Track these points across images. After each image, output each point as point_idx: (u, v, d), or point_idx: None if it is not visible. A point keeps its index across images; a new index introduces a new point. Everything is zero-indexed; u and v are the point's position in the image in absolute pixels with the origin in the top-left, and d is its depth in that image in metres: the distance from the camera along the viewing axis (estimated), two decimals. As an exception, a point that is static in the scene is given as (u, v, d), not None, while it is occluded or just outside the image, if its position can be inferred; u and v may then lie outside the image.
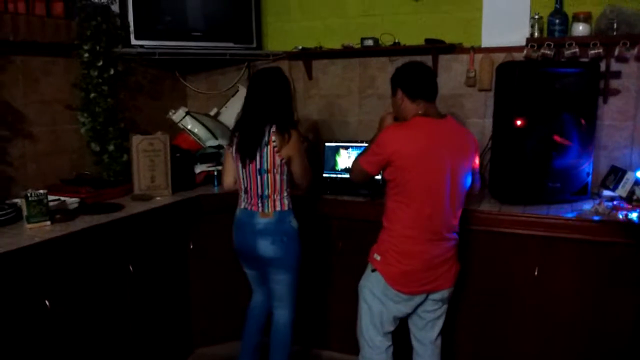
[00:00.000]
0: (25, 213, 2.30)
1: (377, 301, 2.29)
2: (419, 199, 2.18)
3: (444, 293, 2.30)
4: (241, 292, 3.00)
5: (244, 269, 2.71)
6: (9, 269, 2.01)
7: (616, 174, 1.98)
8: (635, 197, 2.00)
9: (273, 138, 2.42)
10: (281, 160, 2.44)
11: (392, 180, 2.24)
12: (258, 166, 2.45)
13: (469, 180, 2.30)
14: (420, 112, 2.24)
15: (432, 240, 2.22)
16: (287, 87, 2.52)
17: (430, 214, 2.19)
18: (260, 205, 2.49)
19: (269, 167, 2.44)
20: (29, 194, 2.29)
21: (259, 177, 2.46)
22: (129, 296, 2.64)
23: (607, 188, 2.01)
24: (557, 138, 2.67)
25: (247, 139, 2.46)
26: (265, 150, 2.43)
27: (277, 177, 2.47)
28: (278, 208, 2.49)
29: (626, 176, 2.03)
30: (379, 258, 2.28)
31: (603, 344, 2.55)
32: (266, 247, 2.49)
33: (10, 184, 2.69)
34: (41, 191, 2.34)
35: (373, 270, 2.29)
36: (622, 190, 2.02)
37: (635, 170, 2.59)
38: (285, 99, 2.51)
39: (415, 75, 2.29)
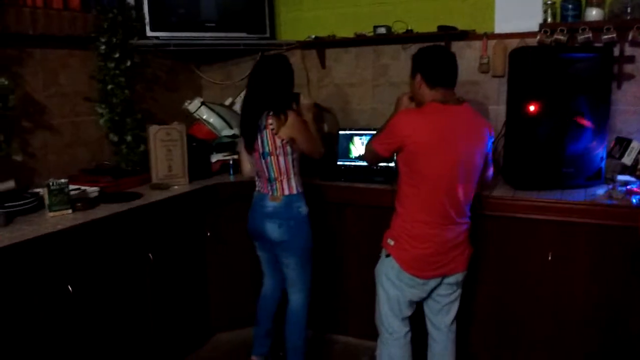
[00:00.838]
0: (47, 202, 2.37)
1: (392, 286, 2.32)
2: (431, 184, 2.21)
3: (458, 277, 2.33)
4: (258, 278, 3.04)
5: (257, 251, 2.77)
6: (34, 255, 2.09)
7: (621, 144, 1.98)
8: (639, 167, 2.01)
9: (270, 121, 2.47)
10: (282, 142, 2.48)
11: (404, 164, 2.27)
12: (261, 150, 2.51)
13: (481, 167, 2.32)
14: (437, 98, 2.26)
15: (444, 224, 2.24)
16: (283, 73, 2.54)
17: (442, 199, 2.21)
18: (270, 188, 2.56)
19: (270, 149, 2.49)
20: (51, 183, 2.35)
21: (263, 161, 2.53)
22: (149, 283, 2.71)
23: (614, 158, 2.01)
24: (579, 119, 2.66)
25: (246, 125, 2.54)
26: (264, 133, 2.48)
27: (281, 159, 2.51)
28: (287, 192, 2.54)
29: (631, 145, 2.02)
30: (392, 243, 2.31)
31: (617, 327, 2.57)
32: (273, 230, 2.55)
33: (33, 174, 2.76)
34: (62, 180, 2.40)
35: (387, 255, 2.33)
36: (627, 159, 2.02)
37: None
38: (281, 84, 2.53)
39: (436, 62, 2.28)
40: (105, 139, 3.15)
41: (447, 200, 2.22)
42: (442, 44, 3.16)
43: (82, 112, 3.05)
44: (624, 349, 2.56)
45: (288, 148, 2.51)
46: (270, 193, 2.56)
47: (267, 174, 2.55)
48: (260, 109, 2.49)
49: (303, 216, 2.58)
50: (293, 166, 2.55)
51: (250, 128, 2.52)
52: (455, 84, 2.31)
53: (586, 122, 2.68)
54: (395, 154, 2.32)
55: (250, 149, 2.55)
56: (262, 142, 2.50)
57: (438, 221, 2.23)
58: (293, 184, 2.56)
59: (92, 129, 3.10)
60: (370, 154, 2.44)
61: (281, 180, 2.54)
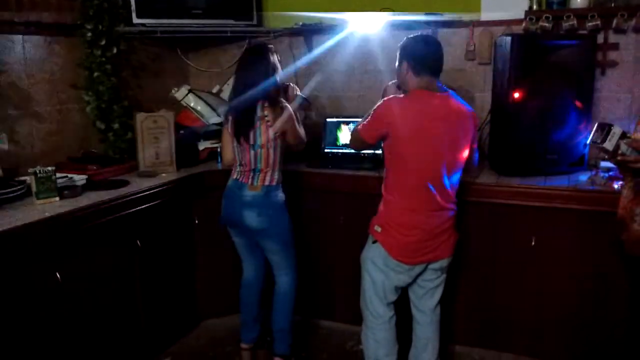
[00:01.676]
0: (34, 189, 2.36)
1: (379, 272, 2.35)
2: (417, 171, 2.24)
3: (443, 262, 2.37)
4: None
5: (233, 237, 2.77)
6: (22, 243, 2.09)
7: (603, 129, 2.04)
8: (620, 152, 2.06)
9: (266, 113, 2.48)
10: (275, 134, 2.49)
11: (390, 152, 2.30)
12: (252, 142, 2.51)
13: (466, 154, 2.35)
14: (422, 86, 2.28)
15: (430, 210, 2.27)
16: (270, 61, 2.53)
17: (428, 186, 2.24)
18: (251, 178, 2.56)
19: (262, 142, 2.50)
20: (37, 171, 2.35)
21: (252, 152, 2.52)
22: (138, 270, 2.72)
23: (595, 143, 2.07)
24: (558, 103, 2.70)
25: (241, 116, 2.53)
26: (258, 125, 2.48)
27: (271, 151, 2.52)
28: (267, 182, 2.56)
29: (612, 130, 2.08)
30: (379, 230, 2.34)
31: (599, 310, 2.62)
32: (252, 218, 2.56)
33: (19, 162, 2.75)
34: (49, 168, 2.40)
35: (374, 242, 2.36)
36: (609, 144, 2.08)
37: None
38: (271, 74, 2.52)
39: (421, 50, 2.30)
40: (92, 126, 3.14)
41: (433, 187, 2.25)
42: (429, 31, 3.18)
43: (68, 99, 3.03)
44: (607, 332, 2.62)
45: (279, 141, 2.53)
46: (250, 182, 2.56)
47: (253, 165, 2.55)
48: (254, 99, 2.48)
49: (281, 204, 2.61)
50: (279, 159, 2.57)
51: (245, 120, 2.51)
52: (441, 72, 2.34)
53: (567, 107, 2.72)
54: (381, 141, 2.34)
55: (241, 140, 2.54)
56: (255, 134, 2.50)
57: (424, 208, 2.26)
58: (275, 176, 2.58)
59: (78, 117, 3.09)
60: (356, 141, 2.46)
61: (265, 172, 2.55)
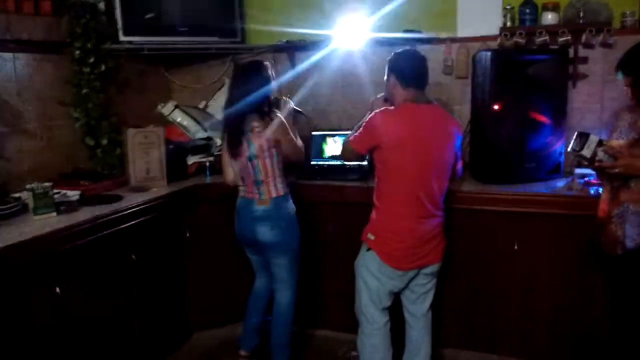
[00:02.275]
0: (32, 205, 2.38)
1: (373, 278, 2.44)
2: (406, 179, 2.35)
3: (434, 267, 2.47)
4: (236, 277, 3.13)
5: (247, 254, 2.84)
6: (24, 258, 2.10)
7: (581, 137, 2.21)
8: (597, 158, 2.23)
9: (255, 124, 2.56)
10: (268, 144, 2.57)
11: (380, 161, 2.40)
12: (247, 153, 2.58)
13: (452, 162, 2.47)
14: (409, 98, 2.40)
15: (421, 217, 2.38)
16: (262, 78, 2.61)
17: (417, 193, 2.35)
18: (257, 192, 2.62)
19: (256, 152, 2.57)
20: (35, 187, 2.37)
21: (249, 164, 2.60)
22: (132, 283, 2.74)
23: (575, 151, 2.22)
24: (533, 115, 2.85)
25: (232, 129, 2.60)
26: (250, 136, 2.56)
27: (267, 161, 2.59)
28: (274, 194, 2.62)
29: (590, 138, 2.25)
30: (372, 237, 2.43)
31: (581, 308, 2.76)
32: (265, 232, 2.61)
33: (9, 178, 2.75)
34: (46, 184, 2.42)
35: (368, 249, 2.45)
36: (587, 151, 2.24)
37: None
38: (261, 88, 2.60)
39: (408, 64, 2.43)
40: (80, 143, 3.16)
41: (422, 194, 2.36)
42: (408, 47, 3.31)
43: (56, 116, 3.05)
44: (589, 329, 2.76)
45: (274, 150, 2.60)
46: (257, 197, 2.62)
47: (253, 177, 2.61)
48: (244, 113, 2.56)
49: (292, 216, 2.68)
50: (279, 168, 2.64)
51: (235, 133, 2.58)
52: (426, 84, 2.47)
53: (541, 117, 2.88)
54: (371, 152, 2.45)
55: (236, 154, 2.61)
56: (248, 145, 2.57)
57: (416, 214, 2.37)
58: (279, 185, 2.64)
59: (66, 133, 3.11)
60: (347, 152, 2.56)
61: (268, 183, 2.61)
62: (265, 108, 2.61)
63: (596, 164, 2.24)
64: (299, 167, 3.20)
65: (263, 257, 2.77)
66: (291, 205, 2.68)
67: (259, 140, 2.56)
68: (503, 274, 2.86)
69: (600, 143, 2.23)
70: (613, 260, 2.28)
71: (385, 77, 2.51)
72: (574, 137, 2.30)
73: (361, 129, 2.45)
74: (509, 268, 2.84)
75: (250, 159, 2.58)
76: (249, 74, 2.61)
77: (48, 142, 2.99)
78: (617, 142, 2.22)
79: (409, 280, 2.47)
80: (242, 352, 2.91)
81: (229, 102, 2.63)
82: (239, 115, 2.57)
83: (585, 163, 2.32)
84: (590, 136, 2.32)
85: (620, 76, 2.27)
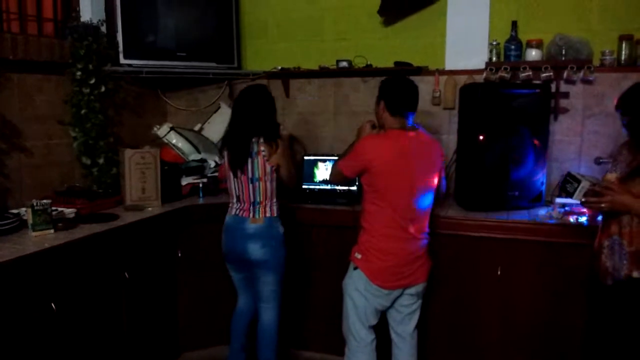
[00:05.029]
0: (30, 221, 2.43)
1: (360, 296, 2.53)
2: (394, 202, 2.46)
3: (419, 287, 2.57)
4: (226, 298, 3.17)
5: (231, 272, 2.90)
6: (22, 274, 2.16)
7: (573, 181, 2.33)
8: (583, 195, 2.33)
9: (262, 148, 2.66)
10: (271, 168, 2.67)
11: (368, 184, 2.51)
12: (250, 175, 2.68)
13: (435, 181, 2.60)
14: (397, 125, 2.52)
15: (407, 238, 2.49)
16: (270, 102, 2.76)
17: (403, 215, 2.46)
18: (251, 211, 2.70)
19: (260, 175, 2.67)
20: (34, 204, 2.43)
21: (251, 186, 2.68)
22: (125, 302, 2.79)
23: (568, 193, 2.35)
24: (517, 145, 2.98)
25: (238, 152, 2.69)
26: (255, 160, 2.66)
27: (268, 184, 2.70)
28: (268, 214, 2.71)
29: (581, 184, 2.39)
30: (359, 256, 2.53)
31: (560, 336, 2.85)
32: (256, 250, 2.69)
33: (7, 195, 2.81)
34: (45, 201, 2.48)
35: (355, 268, 2.54)
36: (579, 196, 2.39)
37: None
38: (270, 113, 2.74)
39: (399, 93, 2.55)
40: (76, 161, 3.22)
41: (407, 217, 2.47)
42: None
43: (54, 134, 3.12)
44: (566, 351, 2.84)
45: (275, 174, 2.70)
46: (251, 215, 2.71)
47: (252, 198, 2.70)
48: (251, 136, 2.66)
49: (282, 236, 2.76)
50: (275, 191, 2.74)
51: (242, 155, 2.67)
52: (415, 112, 2.60)
53: (525, 148, 3.01)
54: (359, 175, 2.55)
55: (238, 173, 2.70)
56: (253, 167, 2.67)
57: (402, 235, 2.47)
58: (274, 207, 2.74)
59: (63, 152, 3.18)
60: (336, 175, 2.67)
61: (265, 205, 2.71)
62: (272, 133, 2.72)
63: (583, 199, 2.33)
64: (290, 190, 3.28)
65: (247, 276, 2.83)
66: (281, 227, 2.77)
67: (263, 164, 2.65)
68: (486, 298, 2.94)
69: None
70: (605, 290, 2.34)
71: (376, 101, 2.63)
72: (564, 177, 2.39)
73: (350, 153, 2.57)
74: (492, 293, 2.93)
75: (252, 180, 2.67)
76: (257, 97, 2.71)
77: (45, 160, 3.06)
78: (612, 175, 2.30)
79: (394, 299, 2.56)
80: (230, 373, 2.95)
81: (234, 125, 2.73)
82: (245, 137, 2.68)
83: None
84: (582, 182, 2.43)
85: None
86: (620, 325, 2.24)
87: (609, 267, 2.24)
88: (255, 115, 2.68)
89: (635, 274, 2.16)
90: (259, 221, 2.70)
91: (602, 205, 2.22)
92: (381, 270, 2.48)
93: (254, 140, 2.67)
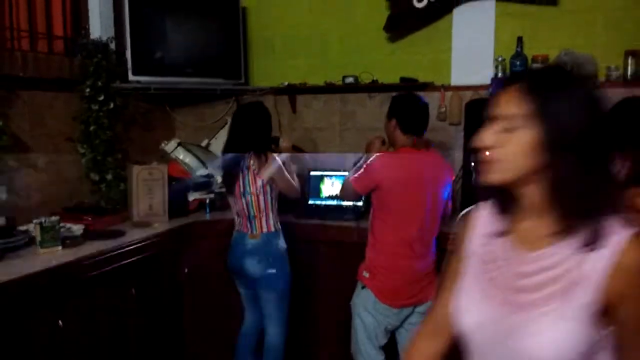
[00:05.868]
0: (39, 238, 2.45)
1: (369, 316, 2.52)
2: (403, 220, 2.47)
3: (429, 305, 2.56)
4: (232, 316, 3.17)
5: (239, 288, 2.92)
6: (29, 291, 2.18)
7: None
8: None
9: (252, 162, 2.69)
10: (262, 182, 2.69)
11: (378, 201, 2.52)
12: (242, 189, 2.72)
13: (444, 204, 2.61)
14: (408, 143, 2.53)
15: (415, 256, 2.49)
16: (262, 118, 2.79)
17: (412, 233, 2.47)
18: (249, 226, 2.74)
19: (251, 189, 2.71)
20: (43, 221, 2.45)
21: (243, 200, 2.72)
22: (131, 318, 2.80)
23: None
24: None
25: (228, 167, 2.75)
26: (247, 174, 2.70)
27: (261, 197, 2.72)
28: (265, 230, 2.74)
29: None
30: (367, 275, 2.53)
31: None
32: (253, 266, 2.72)
33: (16, 212, 2.83)
34: (54, 218, 2.50)
35: (363, 287, 2.54)
36: None
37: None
38: (260, 128, 2.77)
39: (411, 112, 2.56)
40: (84, 177, 3.25)
41: (415, 235, 2.48)
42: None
43: (63, 151, 3.15)
44: None
45: (268, 188, 2.72)
46: (249, 231, 2.74)
47: (247, 213, 2.74)
48: (240, 151, 2.71)
49: (282, 253, 2.77)
50: (272, 205, 2.75)
51: (230, 171, 2.72)
52: (426, 130, 2.60)
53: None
54: (369, 192, 2.56)
55: (231, 190, 2.74)
56: (244, 182, 2.70)
57: (410, 253, 2.47)
58: (271, 222, 2.75)
59: (72, 168, 3.20)
60: (347, 191, 2.68)
61: (260, 218, 2.73)
62: (262, 148, 2.74)
63: None
64: (296, 206, 3.30)
65: (253, 291, 2.85)
66: (282, 243, 2.79)
67: (253, 178, 2.68)
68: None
69: None
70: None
71: (386, 118, 2.64)
72: None
73: (362, 170, 2.57)
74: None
75: (243, 195, 2.70)
76: (249, 115, 2.77)
77: (54, 176, 3.09)
78: None
79: (404, 317, 2.55)
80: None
81: (229, 142, 2.79)
82: (237, 154, 2.72)
83: None
84: None
85: None
86: None
87: None
88: (247, 131, 2.73)
89: None
90: (256, 237, 2.74)
91: None
92: (389, 289, 2.48)
93: (246, 155, 2.71)
